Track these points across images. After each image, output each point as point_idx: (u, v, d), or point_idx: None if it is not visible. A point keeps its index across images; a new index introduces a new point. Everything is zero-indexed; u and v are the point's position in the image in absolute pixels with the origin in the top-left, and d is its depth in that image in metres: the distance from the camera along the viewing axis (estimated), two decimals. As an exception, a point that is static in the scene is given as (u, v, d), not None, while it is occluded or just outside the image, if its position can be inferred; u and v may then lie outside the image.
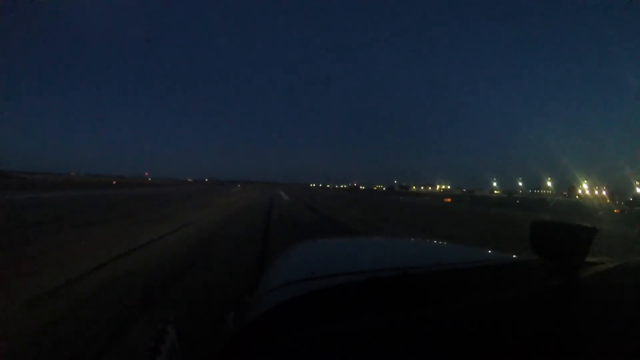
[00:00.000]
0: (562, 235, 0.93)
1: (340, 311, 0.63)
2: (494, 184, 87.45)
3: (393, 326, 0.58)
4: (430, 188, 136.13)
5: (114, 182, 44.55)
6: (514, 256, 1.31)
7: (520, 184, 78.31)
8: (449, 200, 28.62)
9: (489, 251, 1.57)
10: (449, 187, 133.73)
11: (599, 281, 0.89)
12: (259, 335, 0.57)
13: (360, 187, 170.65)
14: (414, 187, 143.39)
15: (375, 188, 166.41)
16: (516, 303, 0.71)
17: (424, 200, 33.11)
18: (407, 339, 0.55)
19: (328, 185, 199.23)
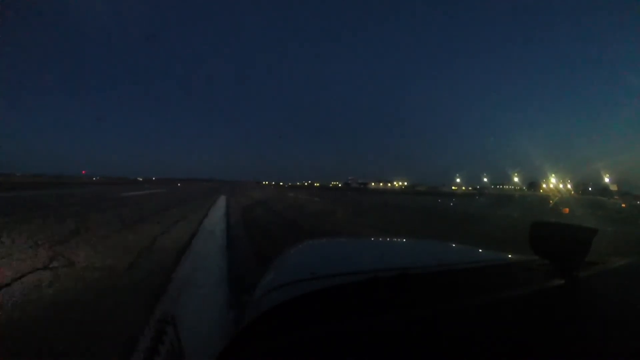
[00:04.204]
0: (562, 235, 0.93)
1: (340, 311, 0.64)
2: (458, 180, 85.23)
3: (393, 326, 0.59)
4: (389, 185, 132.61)
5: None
6: (514, 256, 1.29)
7: (485, 179, 76.86)
8: (567, 210, 16.70)
9: (489, 251, 1.56)
10: (406, 183, 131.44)
11: (599, 281, 0.90)
12: (259, 335, 0.58)
13: (315, 184, 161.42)
14: (373, 184, 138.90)
15: (330, 185, 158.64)
16: (516, 303, 0.72)
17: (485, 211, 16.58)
18: (407, 339, 0.56)
19: (281, 183, 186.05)
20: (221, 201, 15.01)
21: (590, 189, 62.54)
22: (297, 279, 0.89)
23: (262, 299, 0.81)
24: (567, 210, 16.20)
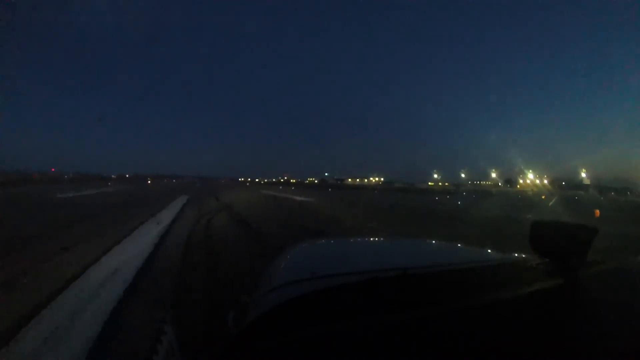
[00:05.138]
0: (562, 235, 0.92)
1: (340, 311, 0.64)
2: (435, 176, 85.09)
3: (393, 326, 0.59)
4: (366, 181, 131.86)
5: None
6: (514, 256, 1.29)
7: (463, 175, 77.31)
8: (598, 213, 14.62)
9: (489, 251, 1.56)
10: (382, 179, 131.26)
11: (599, 281, 0.90)
12: (259, 335, 0.58)
13: (292, 181, 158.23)
14: (350, 180, 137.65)
15: (307, 181, 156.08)
16: (516, 303, 0.72)
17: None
18: (407, 339, 0.56)
19: (257, 180, 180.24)
20: (174, 207, 10.82)
21: (563, 183, 64.83)
22: (297, 279, 0.89)
23: (262, 299, 0.81)
24: (597, 212, 13.94)
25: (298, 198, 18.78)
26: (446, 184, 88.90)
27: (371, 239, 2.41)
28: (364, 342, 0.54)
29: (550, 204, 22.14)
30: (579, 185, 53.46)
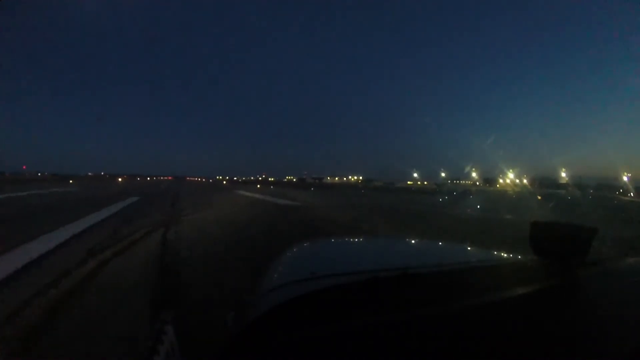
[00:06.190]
0: (562, 235, 0.92)
1: (340, 311, 0.64)
2: (415, 174, 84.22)
3: (393, 326, 0.59)
4: (345, 179, 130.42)
5: None
6: (514, 256, 1.28)
7: (443, 174, 76.90)
8: None
9: (489, 251, 1.56)
10: (361, 178, 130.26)
11: (599, 281, 0.90)
12: (259, 335, 0.57)
13: (270, 179, 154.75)
14: (329, 178, 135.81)
15: (285, 180, 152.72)
16: (516, 303, 0.72)
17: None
18: (407, 339, 0.56)
19: (235, 178, 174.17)
20: (90, 220, 7.03)
21: (540, 182, 65.92)
22: (297, 279, 0.88)
23: (262, 299, 0.80)
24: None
25: (282, 202, 15.41)
26: (425, 182, 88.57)
27: (371, 238, 2.39)
28: (364, 342, 0.54)
29: (551, 205, 20.20)
30: (558, 184, 54.01)
